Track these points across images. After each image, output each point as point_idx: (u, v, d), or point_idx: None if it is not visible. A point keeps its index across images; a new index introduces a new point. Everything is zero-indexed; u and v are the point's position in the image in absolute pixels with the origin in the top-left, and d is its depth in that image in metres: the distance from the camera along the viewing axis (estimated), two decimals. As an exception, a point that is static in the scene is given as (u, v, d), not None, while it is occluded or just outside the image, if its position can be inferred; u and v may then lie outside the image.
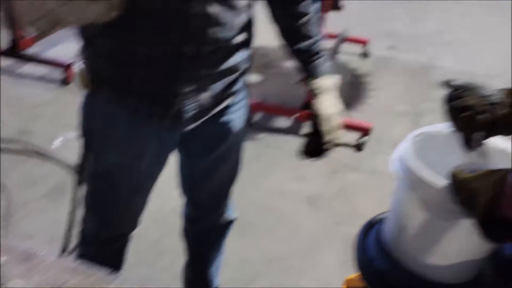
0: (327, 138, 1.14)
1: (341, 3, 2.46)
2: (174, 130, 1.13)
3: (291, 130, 2.81)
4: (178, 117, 1.06)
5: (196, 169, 1.31)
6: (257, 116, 2.89)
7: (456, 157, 0.99)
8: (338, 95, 1.17)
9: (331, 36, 3.78)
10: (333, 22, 3.64)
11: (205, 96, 1.07)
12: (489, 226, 0.70)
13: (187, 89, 1.02)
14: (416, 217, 1.00)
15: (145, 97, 1.03)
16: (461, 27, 4.86)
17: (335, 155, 2.56)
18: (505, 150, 1.06)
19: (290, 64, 3.58)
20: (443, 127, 1.12)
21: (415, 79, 3.61)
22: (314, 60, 1.14)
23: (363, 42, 3.90)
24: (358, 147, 2.65)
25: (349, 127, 2.69)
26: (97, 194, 1.18)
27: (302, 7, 1.12)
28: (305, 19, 1.12)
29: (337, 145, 1.18)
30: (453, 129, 0.99)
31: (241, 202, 2.18)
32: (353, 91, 3.37)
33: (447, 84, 0.91)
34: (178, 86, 1.02)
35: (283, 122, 2.87)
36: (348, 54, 3.90)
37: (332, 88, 1.16)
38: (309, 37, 1.13)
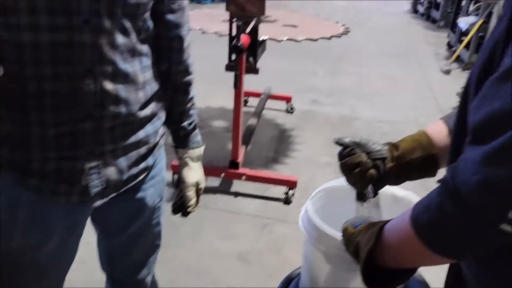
0: (187, 203, 1.24)
1: (257, 67, 2.61)
2: (82, 208, 1.09)
3: (220, 189, 2.86)
4: (84, 194, 1.03)
5: (113, 245, 1.29)
6: (187, 177, 2.92)
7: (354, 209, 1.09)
8: (200, 166, 1.28)
9: (257, 95, 3.97)
10: (258, 81, 3.83)
11: (111, 172, 1.05)
12: (371, 276, 0.77)
13: (91, 165, 1.01)
14: (323, 269, 1.06)
15: (48, 176, 1.00)
16: (375, 80, 5.28)
17: (264, 210, 2.66)
18: (396, 196, 1.18)
19: (218, 123, 3.71)
20: (344, 181, 1.23)
21: (337, 130, 3.83)
22: (186, 136, 1.24)
23: (287, 99, 4.12)
24: (286, 200, 2.74)
25: (277, 181, 2.80)
26: (3, 278, 1.11)
27: (187, 95, 1.21)
28: (187, 104, 1.22)
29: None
30: (348, 183, 1.09)
31: (171, 266, 2.17)
32: (279, 145, 3.51)
33: (338, 142, 0.99)
34: (81, 163, 1.00)
35: (211, 181, 2.92)
36: (274, 110, 4.10)
37: (197, 159, 1.26)
38: (186, 119, 1.22)
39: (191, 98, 1.23)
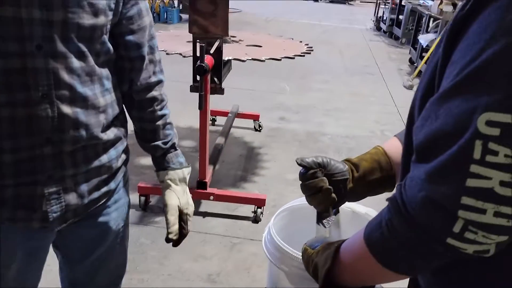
0: (170, 227, 1.19)
1: (222, 87, 2.62)
2: (43, 234, 1.08)
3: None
4: (44, 219, 1.01)
5: (76, 272, 1.26)
6: (153, 199, 2.89)
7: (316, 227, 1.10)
8: (185, 189, 1.23)
9: (224, 114, 3.98)
10: (226, 100, 3.85)
11: (72, 197, 1.04)
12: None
13: (51, 190, 0.99)
14: (287, 289, 1.07)
15: (5, 203, 0.98)
16: (341, 96, 5.39)
17: (232, 229, 2.65)
18: (357, 213, 1.21)
19: (186, 143, 3.70)
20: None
21: (304, 147, 3.88)
22: (163, 156, 1.21)
23: (254, 117, 4.15)
24: (255, 219, 2.74)
25: (245, 200, 2.80)
26: None
27: (154, 112, 1.18)
28: (158, 122, 1.20)
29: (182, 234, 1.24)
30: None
31: (137, 292, 2.13)
32: (247, 164, 3.52)
33: (300, 164, 1.00)
34: (40, 188, 0.98)
35: (180, 202, 2.89)
36: (242, 128, 4.12)
37: (181, 181, 1.22)
38: (160, 137, 1.21)
39: (162, 116, 1.19)
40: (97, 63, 1.01)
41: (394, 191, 0.65)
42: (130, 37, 1.09)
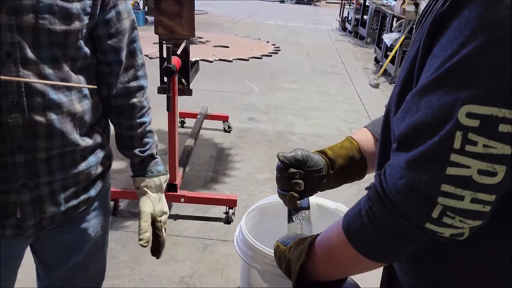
0: (141, 234, 1.16)
1: (190, 88, 2.61)
2: (17, 241, 1.07)
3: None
4: (19, 227, 1.00)
5: (53, 278, 1.23)
6: (123, 203, 2.84)
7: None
8: (161, 197, 1.21)
9: (193, 116, 3.95)
10: (194, 101, 3.83)
11: (47, 205, 1.02)
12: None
13: (25, 198, 0.97)
14: (260, 287, 1.07)
15: None
16: (309, 96, 5.45)
17: (204, 231, 2.63)
18: (326, 208, 1.22)
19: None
20: (278, 197, 1.25)
21: (274, 146, 3.90)
22: (141, 163, 1.19)
23: (224, 118, 4.14)
24: (227, 219, 2.74)
25: (216, 201, 2.79)
26: None
27: (132, 119, 1.14)
28: (136, 130, 1.16)
29: (158, 242, 1.23)
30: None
31: (109, 297, 2.09)
32: (218, 165, 3.51)
33: (281, 159, 0.98)
34: (14, 195, 0.96)
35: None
36: (211, 130, 4.10)
37: (157, 189, 1.20)
38: (138, 145, 1.17)
39: (141, 124, 1.16)
40: (73, 69, 0.98)
41: (373, 180, 0.66)
42: (108, 41, 1.05)
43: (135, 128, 1.16)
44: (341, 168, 0.99)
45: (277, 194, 1.04)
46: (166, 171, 1.24)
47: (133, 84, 1.12)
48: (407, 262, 0.73)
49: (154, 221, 1.19)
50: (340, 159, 0.99)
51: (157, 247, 1.22)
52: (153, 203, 1.18)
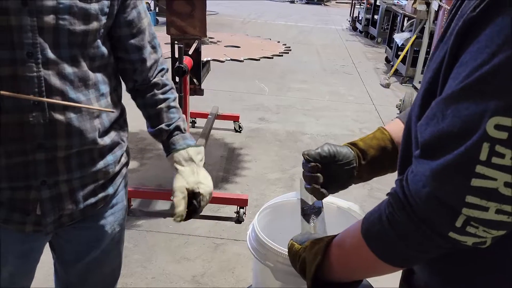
0: (174, 210, 1.12)
1: (202, 88, 2.62)
2: (37, 237, 1.09)
3: (170, 212, 2.81)
4: (38, 223, 1.02)
5: (70, 274, 1.25)
6: (135, 203, 2.86)
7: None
8: (194, 169, 1.16)
9: (204, 116, 3.97)
10: (205, 101, 3.84)
11: (66, 202, 1.04)
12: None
13: (45, 195, 1.00)
14: (272, 286, 1.07)
15: (1, 205, 0.99)
16: (320, 95, 5.44)
17: (215, 230, 2.64)
18: (340, 208, 1.22)
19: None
20: (291, 196, 1.26)
21: (285, 146, 3.90)
22: (168, 139, 1.18)
23: (234, 118, 4.15)
24: (237, 219, 2.74)
25: (227, 200, 2.80)
26: None
27: (155, 95, 1.18)
28: (160, 105, 1.18)
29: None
30: (299, 197, 1.12)
31: (122, 295, 2.11)
32: (229, 165, 3.52)
33: (306, 157, 0.98)
34: (34, 192, 0.98)
35: (161, 204, 2.88)
36: (222, 130, 4.11)
37: (186, 161, 1.16)
38: (164, 120, 1.17)
39: (164, 100, 1.18)
40: (91, 68, 1.00)
41: (394, 185, 0.66)
42: (131, 41, 1.08)
43: (159, 104, 1.17)
44: (373, 159, 0.98)
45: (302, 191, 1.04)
46: (199, 145, 1.20)
47: (157, 72, 1.17)
48: (427, 264, 0.72)
49: (193, 194, 1.14)
50: (372, 150, 0.98)
51: (188, 216, 1.16)
52: (184, 177, 1.13)
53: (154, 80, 1.17)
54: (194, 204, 1.14)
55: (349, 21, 11.32)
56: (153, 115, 1.18)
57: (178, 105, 1.21)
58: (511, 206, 0.54)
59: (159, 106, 1.17)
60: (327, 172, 0.98)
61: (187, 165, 1.15)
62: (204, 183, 1.16)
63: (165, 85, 1.19)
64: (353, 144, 1.00)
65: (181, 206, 1.11)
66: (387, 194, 0.67)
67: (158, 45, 1.18)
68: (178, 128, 1.18)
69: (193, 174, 1.15)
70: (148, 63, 1.14)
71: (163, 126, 1.17)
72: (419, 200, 0.59)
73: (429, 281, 0.73)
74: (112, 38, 1.07)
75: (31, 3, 0.87)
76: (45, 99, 0.91)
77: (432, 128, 0.58)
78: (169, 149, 1.17)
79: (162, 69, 1.19)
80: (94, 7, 0.95)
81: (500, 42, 0.53)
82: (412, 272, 0.78)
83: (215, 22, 9.52)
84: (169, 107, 1.18)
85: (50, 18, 0.89)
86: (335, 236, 0.80)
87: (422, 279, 0.75)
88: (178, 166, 1.15)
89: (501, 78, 0.53)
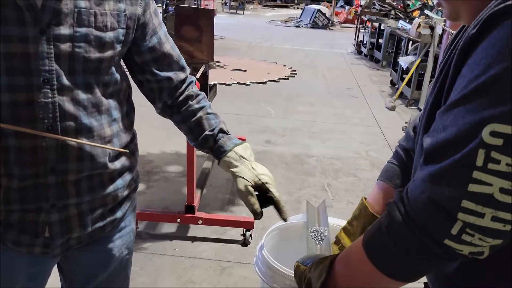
0: (250, 209, 1.12)
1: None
2: (45, 259, 1.10)
3: (177, 235, 2.82)
4: (47, 246, 1.03)
5: None
6: (141, 225, 2.86)
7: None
8: (249, 165, 1.13)
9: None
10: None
11: (74, 225, 1.05)
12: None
13: (54, 218, 1.01)
14: (280, 308, 1.07)
15: (11, 227, 1.00)
16: (326, 118, 5.46)
17: (222, 253, 2.63)
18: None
19: (173, 168, 3.69)
20: (297, 218, 1.26)
21: (291, 169, 3.90)
22: (215, 144, 1.16)
23: (241, 140, 4.15)
24: (244, 241, 2.73)
25: (233, 223, 2.79)
26: None
27: (191, 106, 1.17)
28: (200, 113, 1.17)
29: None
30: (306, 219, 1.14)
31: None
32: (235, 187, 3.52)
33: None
34: (43, 215, 1.00)
35: (167, 227, 2.87)
36: (228, 152, 4.12)
37: (238, 161, 1.13)
38: (206, 127, 1.16)
39: (201, 108, 1.18)
40: (104, 94, 1.02)
41: (393, 197, 0.67)
42: (155, 64, 1.11)
43: (197, 112, 1.17)
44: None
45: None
46: (242, 141, 1.19)
47: (184, 86, 1.18)
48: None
49: (259, 187, 1.12)
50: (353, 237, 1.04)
51: (278, 208, 1.14)
52: (242, 176, 1.11)
53: (186, 93, 1.17)
54: (267, 195, 1.12)
55: (354, 45, 11.43)
56: (193, 126, 1.17)
57: (214, 111, 1.20)
58: (506, 213, 0.56)
59: (198, 115, 1.17)
60: None
61: (240, 164, 1.13)
62: (264, 173, 1.14)
63: (198, 94, 1.19)
64: (338, 238, 1.07)
65: (255, 204, 1.10)
66: (386, 205, 0.68)
67: (185, 65, 1.19)
68: (222, 131, 1.17)
69: (249, 170, 1.12)
70: (175, 82, 1.15)
71: (207, 132, 1.16)
72: (417, 206, 0.60)
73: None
74: (134, 64, 1.10)
75: (49, 31, 0.90)
76: (45, 133, 0.93)
77: (434, 138, 0.61)
78: (219, 153, 1.15)
79: (191, 82, 1.20)
80: (109, 35, 0.98)
81: (496, 53, 0.56)
82: None
83: (222, 46, 9.65)
84: (207, 114, 1.18)
85: (66, 46, 0.92)
86: (338, 254, 0.81)
87: None
88: (232, 169, 1.13)
89: (496, 87, 0.55)
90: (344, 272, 0.76)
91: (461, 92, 0.59)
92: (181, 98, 1.17)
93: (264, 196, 1.12)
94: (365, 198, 1.05)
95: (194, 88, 1.20)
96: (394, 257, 0.66)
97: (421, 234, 0.60)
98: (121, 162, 1.10)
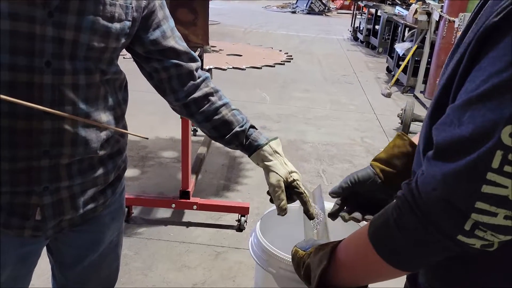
0: (277, 204, 1.13)
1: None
2: (35, 242, 1.09)
3: (172, 220, 2.82)
4: (38, 229, 1.03)
5: (68, 277, 1.25)
6: (136, 210, 2.85)
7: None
8: (281, 161, 1.15)
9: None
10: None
11: (66, 208, 1.05)
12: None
13: (45, 201, 1.00)
14: (274, 292, 1.07)
15: (2, 208, 1.00)
16: (321, 104, 5.45)
17: (216, 238, 2.64)
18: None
19: (167, 154, 3.68)
20: (292, 203, 1.25)
21: (287, 155, 3.87)
22: (247, 139, 1.15)
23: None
24: (239, 227, 2.74)
25: (228, 208, 2.79)
26: None
27: (214, 103, 1.15)
28: (225, 110, 1.15)
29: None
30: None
31: (122, 303, 2.09)
32: (230, 173, 3.52)
33: (333, 195, 1.02)
34: (35, 198, 0.99)
35: (162, 212, 2.87)
36: (223, 138, 4.11)
37: (272, 155, 1.15)
38: (234, 124, 1.15)
39: (224, 104, 1.16)
40: (101, 80, 1.02)
41: (402, 189, 0.66)
42: (160, 56, 1.09)
43: (220, 108, 1.15)
44: (400, 166, 0.97)
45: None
46: (275, 137, 1.19)
47: (198, 80, 1.14)
48: (432, 269, 0.72)
49: (289, 185, 1.13)
50: (396, 159, 0.98)
51: (305, 206, 1.14)
52: (276, 171, 1.13)
53: (206, 90, 1.15)
54: (295, 191, 1.14)
55: (350, 31, 11.38)
56: (219, 123, 1.15)
57: (236, 107, 1.20)
58: None
59: (223, 112, 1.15)
60: (361, 199, 1.00)
61: (274, 158, 1.14)
62: (294, 170, 1.16)
63: (217, 91, 1.17)
64: (376, 160, 1.00)
65: (283, 200, 1.12)
66: (394, 197, 0.67)
67: (196, 56, 1.16)
68: (252, 126, 1.18)
69: (282, 165, 1.14)
70: (184, 69, 1.12)
71: (237, 129, 1.15)
72: (429, 202, 0.59)
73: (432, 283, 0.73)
74: (139, 55, 1.09)
75: (57, 15, 0.89)
76: (41, 107, 0.90)
77: (447, 133, 0.59)
78: (252, 147, 1.15)
79: (206, 78, 1.17)
80: (115, 26, 0.97)
81: None
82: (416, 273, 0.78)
83: (217, 32, 9.57)
84: (232, 110, 1.17)
85: (71, 32, 0.91)
86: (340, 241, 0.80)
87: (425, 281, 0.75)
88: (267, 162, 1.14)
89: None
90: (346, 260, 0.76)
91: (480, 87, 0.56)
92: (199, 94, 1.14)
93: (289, 193, 1.14)
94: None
95: (212, 84, 1.17)
96: (402, 250, 0.65)
97: (433, 229, 0.59)
98: (112, 146, 1.11)
